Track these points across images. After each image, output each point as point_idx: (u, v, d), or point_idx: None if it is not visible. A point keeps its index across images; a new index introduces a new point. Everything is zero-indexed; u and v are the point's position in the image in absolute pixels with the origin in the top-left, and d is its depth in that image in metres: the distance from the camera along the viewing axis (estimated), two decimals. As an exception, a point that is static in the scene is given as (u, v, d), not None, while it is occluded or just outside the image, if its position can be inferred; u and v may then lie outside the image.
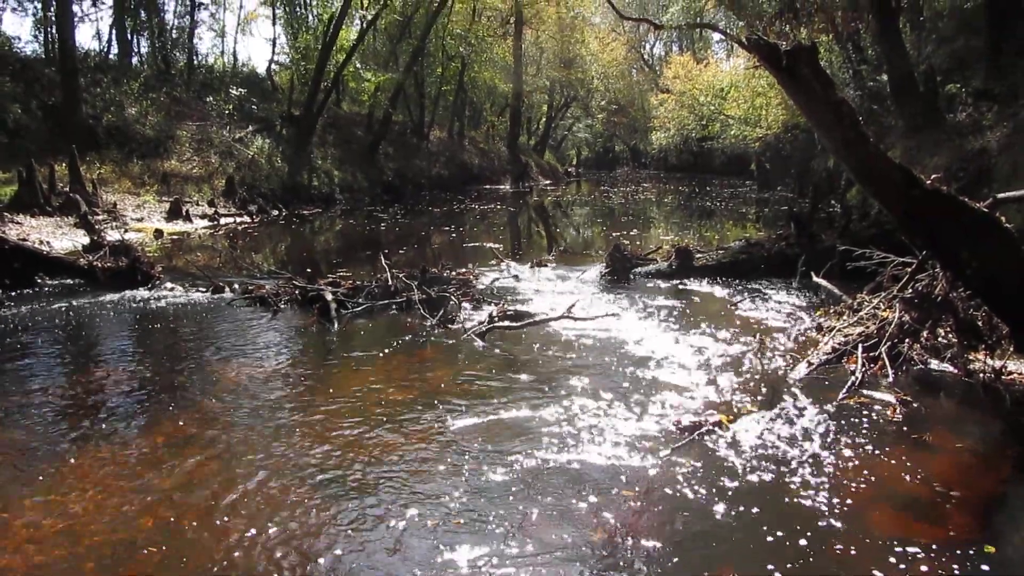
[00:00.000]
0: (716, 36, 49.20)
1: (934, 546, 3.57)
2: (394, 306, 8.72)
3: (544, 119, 53.00)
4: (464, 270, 10.50)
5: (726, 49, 51.99)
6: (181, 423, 5.24)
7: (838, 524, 3.76)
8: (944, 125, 14.20)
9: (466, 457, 4.62)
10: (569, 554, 3.56)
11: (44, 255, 10.67)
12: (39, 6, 24.74)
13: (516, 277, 10.84)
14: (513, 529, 3.76)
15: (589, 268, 11.25)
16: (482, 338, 7.43)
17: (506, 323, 7.79)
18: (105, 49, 27.60)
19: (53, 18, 22.12)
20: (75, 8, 23.74)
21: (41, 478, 4.37)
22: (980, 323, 6.00)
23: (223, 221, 18.73)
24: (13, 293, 9.39)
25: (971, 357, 6.01)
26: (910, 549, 3.54)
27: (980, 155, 11.88)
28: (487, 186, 36.06)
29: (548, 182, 43.01)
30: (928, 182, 4.86)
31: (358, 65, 28.55)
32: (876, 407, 5.35)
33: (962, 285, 5.74)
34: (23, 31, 67.29)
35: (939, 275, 6.21)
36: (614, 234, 16.52)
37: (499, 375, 6.32)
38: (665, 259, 10.91)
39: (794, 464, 4.44)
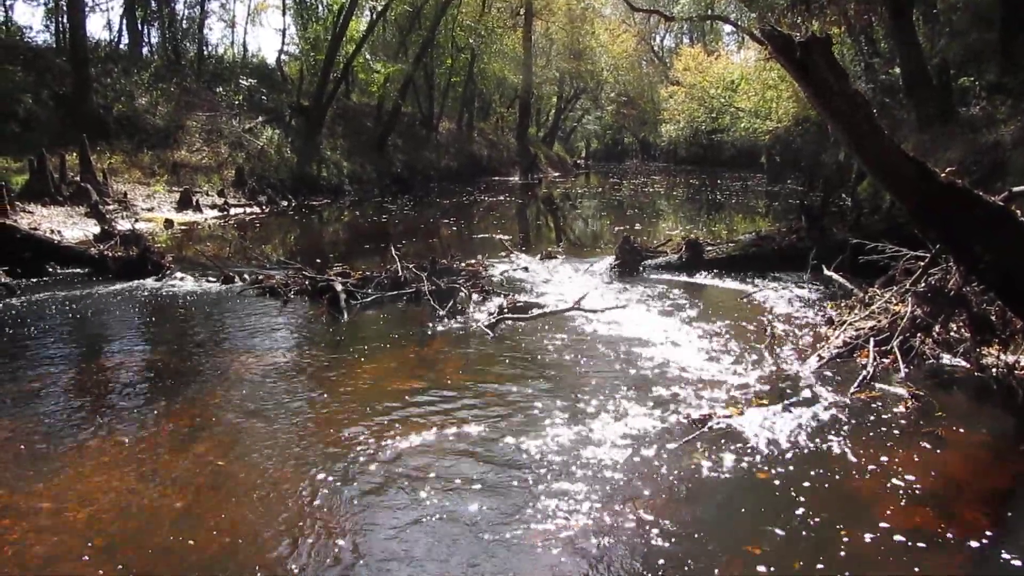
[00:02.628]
0: (727, 28, 49.11)
1: (946, 541, 3.55)
2: (404, 297, 8.72)
3: (553, 111, 52.95)
4: (473, 261, 10.49)
5: (737, 41, 51.73)
6: (191, 412, 5.26)
7: (849, 518, 3.74)
8: (958, 119, 14.11)
9: (477, 447, 4.62)
10: (575, 543, 3.56)
11: (55, 244, 10.71)
12: (50, -5, 24.85)
13: (525, 269, 10.82)
14: (520, 517, 3.76)
15: (598, 260, 11.22)
16: (492, 329, 7.42)
17: (516, 315, 7.79)
18: (116, 39, 27.74)
19: (64, 8, 22.19)
20: (86, -2, 23.80)
21: (53, 466, 4.39)
22: (993, 317, 5.99)
23: (233, 211, 18.77)
24: (24, 282, 9.42)
25: (984, 352, 5.96)
26: (922, 543, 3.52)
27: (994, 148, 11.81)
28: (496, 178, 36.04)
29: (557, 174, 42.98)
30: (943, 175, 4.83)
31: (368, 56, 28.55)
32: (888, 401, 5.32)
33: (976, 279, 5.71)
34: (35, 21, 67.47)
35: (952, 269, 6.17)
36: (622, 227, 16.50)
37: (508, 366, 6.32)
38: (675, 252, 10.87)
39: (805, 458, 4.42)
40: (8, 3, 24.50)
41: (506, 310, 7.90)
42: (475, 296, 8.68)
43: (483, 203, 24.51)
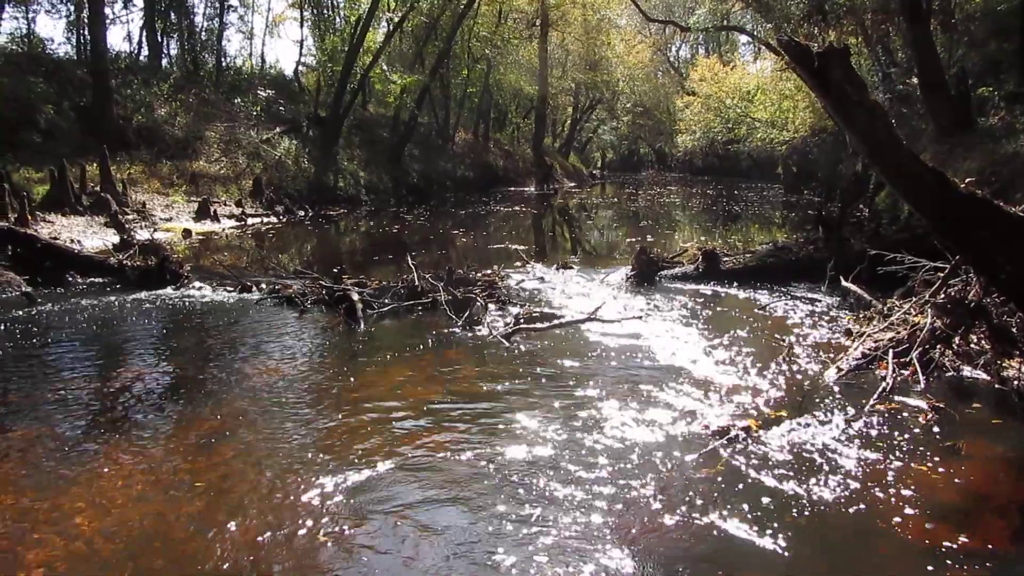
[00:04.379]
0: (743, 39, 48.95)
1: (968, 554, 3.51)
2: (420, 307, 8.74)
3: (569, 121, 52.97)
4: (489, 271, 10.49)
5: (753, 52, 51.67)
6: (210, 421, 5.28)
7: (869, 532, 3.71)
8: (976, 129, 14.00)
9: (492, 458, 4.62)
10: (589, 555, 3.54)
11: (75, 254, 10.84)
12: (72, 8, 25.16)
13: (541, 279, 10.82)
14: (535, 530, 3.75)
15: (614, 271, 11.20)
16: (508, 340, 7.42)
17: (532, 325, 7.78)
18: (136, 51, 28.03)
19: (85, 20, 22.49)
20: (107, 10, 24.07)
21: (73, 474, 4.42)
22: (1014, 329, 5.92)
23: (250, 221, 18.91)
24: (45, 291, 9.51)
25: (1005, 364, 5.91)
26: (943, 557, 3.48)
27: (1013, 159, 11.69)
28: (512, 188, 36.07)
29: (573, 184, 42.95)
30: (962, 186, 4.79)
31: (384, 67, 28.68)
32: (908, 414, 5.28)
33: (996, 291, 5.66)
34: (56, 33, 68.20)
35: (972, 280, 6.13)
36: (637, 238, 16.48)
37: (525, 377, 6.31)
38: (691, 262, 10.84)
39: (824, 470, 4.39)
40: (30, 15, 24.64)
41: (522, 320, 7.90)
42: (491, 306, 8.68)
43: (499, 213, 24.55)
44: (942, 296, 6.39)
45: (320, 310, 8.81)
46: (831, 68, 4.51)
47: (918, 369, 5.91)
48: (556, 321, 7.93)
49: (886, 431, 4.97)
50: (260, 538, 3.70)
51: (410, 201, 26.55)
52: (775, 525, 3.79)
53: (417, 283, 9.12)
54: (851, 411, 5.32)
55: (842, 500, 4.03)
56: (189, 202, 18.56)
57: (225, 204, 19.39)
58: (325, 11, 33.70)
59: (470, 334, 7.72)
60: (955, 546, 3.58)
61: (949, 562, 3.46)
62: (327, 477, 4.35)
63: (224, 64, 30.05)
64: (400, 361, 6.81)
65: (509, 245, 15.38)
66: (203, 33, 29.71)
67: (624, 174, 60.70)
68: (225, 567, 3.48)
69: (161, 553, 3.59)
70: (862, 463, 4.48)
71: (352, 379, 6.30)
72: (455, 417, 5.33)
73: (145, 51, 27.67)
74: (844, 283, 8.76)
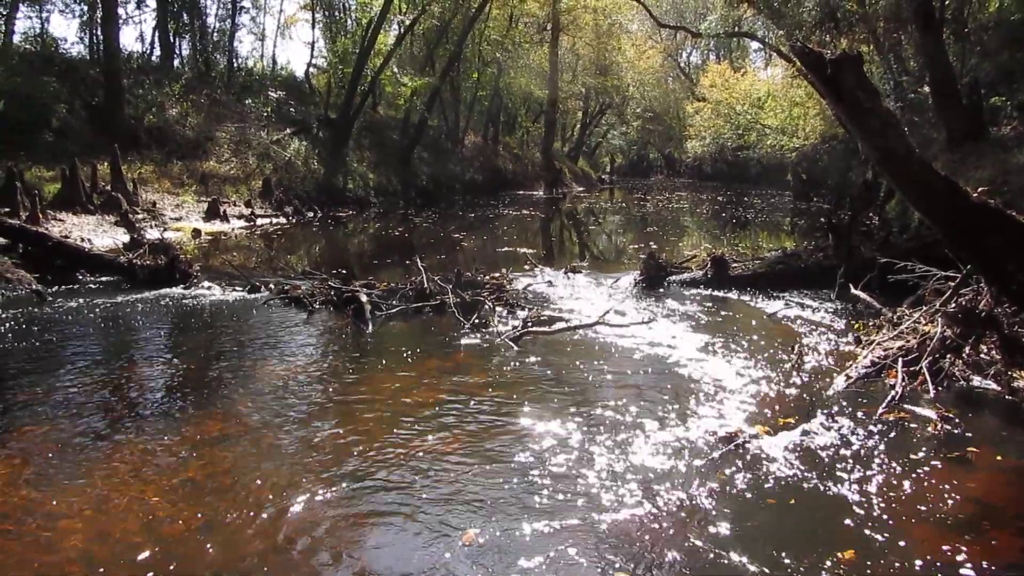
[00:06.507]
0: (754, 45, 49.00)
1: (977, 564, 3.49)
2: (428, 309, 8.74)
3: (579, 125, 53.00)
4: (498, 275, 10.47)
5: (764, 58, 51.67)
6: (217, 421, 5.29)
7: (878, 541, 3.69)
8: (988, 138, 13.95)
9: (499, 461, 4.62)
10: (598, 563, 3.54)
11: (85, 252, 10.90)
12: (85, 8, 25.30)
13: (549, 283, 10.81)
14: (539, 533, 3.74)
15: (622, 275, 11.18)
16: (516, 343, 7.42)
17: (540, 328, 7.78)
18: (148, 51, 28.15)
19: (98, 20, 22.59)
20: (120, 11, 24.19)
21: (81, 471, 4.44)
22: (1025, 339, 5.89)
23: (259, 222, 18.97)
24: (55, 289, 9.56)
25: (1015, 374, 5.88)
26: (952, 567, 3.46)
27: (1025, 168, 11.66)
28: (520, 192, 36.08)
29: (581, 189, 42.95)
30: (975, 195, 4.77)
31: (395, 70, 28.73)
32: (917, 423, 5.25)
33: (1007, 300, 5.63)
34: (69, 33, 68.56)
35: (983, 290, 6.09)
36: (644, 243, 16.45)
37: (531, 380, 6.31)
38: (700, 268, 10.81)
39: (832, 479, 4.37)
40: (44, 15, 24.78)
41: (530, 323, 7.89)
42: (499, 309, 8.67)
43: (507, 217, 24.54)
44: (952, 305, 6.36)
45: (328, 311, 8.82)
46: (844, 75, 4.48)
47: (928, 378, 5.87)
48: (564, 325, 7.92)
49: (895, 440, 4.95)
50: (263, 541, 3.71)
51: (419, 203, 26.61)
52: (780, 534, 3.77)
53: (425, 285, 9.12)
54: (860, 420, 5.30)
55: (849, 509, 4.01)
56: (199, 202, 18.64)
57: (235, 204, 19.46)
58: (336, 13, 33.88)
59: (478, 337, 7.72)
60: (964, 557, 3.56)
61: (958, 572, 3.43)
62: (332, 480, 4.35)
63: (236, 65, 30.21)
64: (408, 363, 6.81)
65: (517, 249, 15.37)
66: (215, 34, 29.90)
67: (633, 179, 60.58)
68: (227, 569, 3.48)
69: (167, 551, 3.59)
70: (870, 472, 4.46)
71: (359, 381, 6.31)
72: (463, 420, 5.33)
73: (157, 51, 27.82)
74: (853, 291, 8.72)
